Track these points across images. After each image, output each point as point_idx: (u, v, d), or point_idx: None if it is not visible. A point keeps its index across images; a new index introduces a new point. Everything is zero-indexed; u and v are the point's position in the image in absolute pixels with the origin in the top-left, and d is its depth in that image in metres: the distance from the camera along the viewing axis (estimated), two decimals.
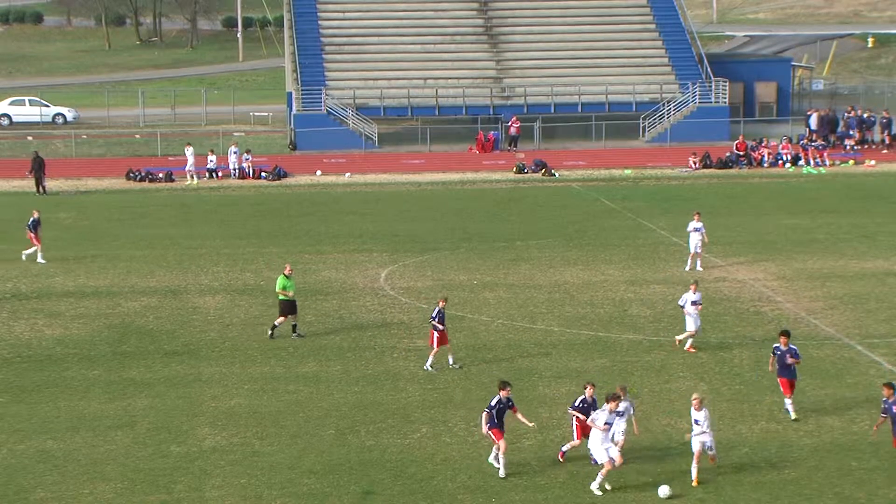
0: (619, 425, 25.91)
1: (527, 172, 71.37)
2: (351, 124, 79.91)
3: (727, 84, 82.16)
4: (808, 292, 41.52)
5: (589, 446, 25.54)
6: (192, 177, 69.14)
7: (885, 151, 77.47)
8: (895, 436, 25.06)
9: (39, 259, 47.40)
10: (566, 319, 38.35)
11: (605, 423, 25.16)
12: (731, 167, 72.32)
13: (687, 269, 44.73)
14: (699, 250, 44.86)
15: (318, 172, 72.02)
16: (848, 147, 77.53)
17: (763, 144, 74.59)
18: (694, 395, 26.02)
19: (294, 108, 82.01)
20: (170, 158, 75.57)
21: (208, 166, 71.10)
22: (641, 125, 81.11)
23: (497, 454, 26.20)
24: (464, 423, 29.21)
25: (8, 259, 48.02)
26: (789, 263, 45.91)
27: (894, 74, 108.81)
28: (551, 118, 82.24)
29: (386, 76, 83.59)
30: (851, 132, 79.06)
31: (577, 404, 26.58)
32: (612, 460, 24.86)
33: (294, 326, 36.73)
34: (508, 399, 26.29)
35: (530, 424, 26.97)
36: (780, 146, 74.31)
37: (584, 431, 26.33)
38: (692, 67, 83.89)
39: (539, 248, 49.53)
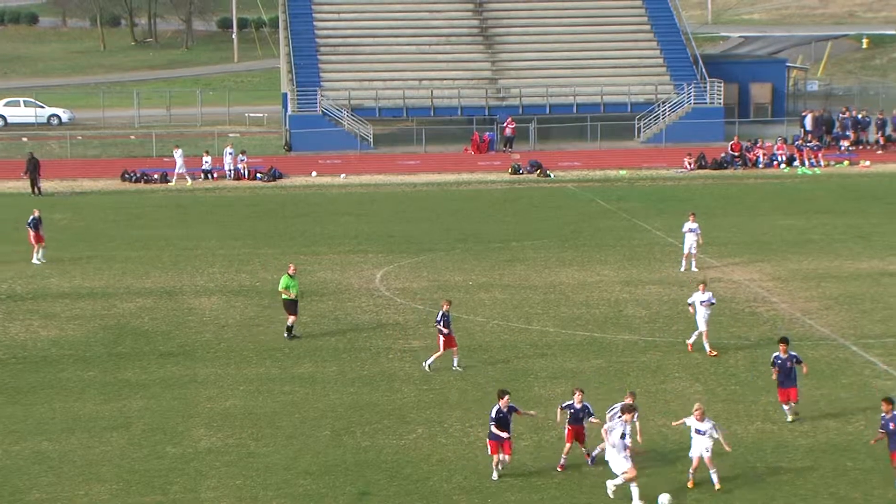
0: (627, 426, 25.60)
1: (522, 173, 71.38)
2: (346, 125, 79.90)
3: (722, 85, 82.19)
4: (804, 293, 41.57)
5: (606, 458, 25.06)
6: (185, 178, 69.01)
7: (879, 152, 77.55)
8: (891, 451, 24.74)
9: (34, 259, 47.31)
10: (562, 320, 38.37)
11: (622, 435, 24.81)
12: (726, 168, 72.37)
13: (682, 269, 44.77)
14: (694, 251, 44.88)
15: (314, 173, 72.01)
16: (843, 148, 77.60)
17: (758, 145, 74.64)
18: (696, 406, 25.69)
19: (289, 108, 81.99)
20: (165, 159, 75.42)
21: (203, 167, 71.05)
22: (636, 126, 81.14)
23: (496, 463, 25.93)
24: (459, 424, 29.23)
25: (3, 261, 47.95)
26: (784, 264, 45.96)
27: (889, 75, 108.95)
28: (546, 119, 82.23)
29: (381, 77, 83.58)
30: (848, 132, 79.11)
31: (565, 406, 26.58)
32: (633, 468, 24.47)
33: (290, 328, 36.69)
34: (510, 408, 26.00)
35: (532, 413, 27.29)
36: (775, 147, 74.36)
37: (575, 435, 26.30)
38: (687, 68, 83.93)
39: (534, 248, 49.56)
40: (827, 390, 31.27)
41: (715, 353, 34.23)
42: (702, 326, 34.41)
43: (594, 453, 26.41)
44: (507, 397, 26.06)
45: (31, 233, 47.54)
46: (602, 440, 25.66)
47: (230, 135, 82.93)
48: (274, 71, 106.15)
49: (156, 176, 70.00)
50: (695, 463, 25.29)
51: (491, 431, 25.95)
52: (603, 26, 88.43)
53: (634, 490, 24.32)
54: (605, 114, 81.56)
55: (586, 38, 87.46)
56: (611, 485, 24.74)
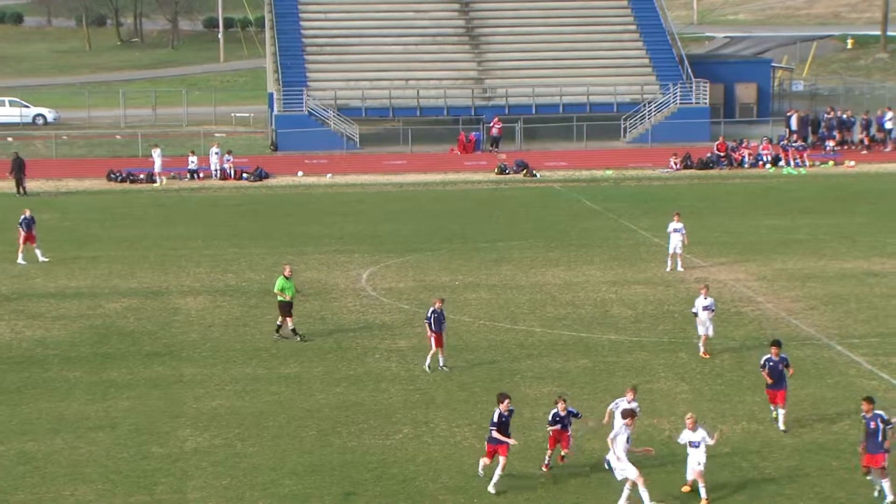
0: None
1: (508, 173, 71.40)
2: (332, 125, 79.85)
3: (708, 85, 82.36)
4: (789, 293, 41.67)
5: (613, 465, 24.72)
6: (160, 179, 68.75)
7: (864, 152, 77.76)
8: (867, 452, 24.55)
9: (20, 259, 47.20)
10: (548, 320, 38.40)
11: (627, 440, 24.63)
12: (711, 168, 72.49)
13: (668, 269, 44.84)
14: (679, 251, 44.94)
15: (300, 173, 71.95)
16: (828, 148, 77.80)
17: (743, 145, 74.78)
18: (688, 416, 25.39)
19: (275, 108, 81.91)
20: (151, 159, 75.26)
21: (189, 167, 70.94)
22: (622, 126, 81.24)
23: (495, 468, 25.47)
24: (446, 424, 29.24)
25: None
26: (770, 264, 46.06)
27: (873, 76, 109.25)
28: (533, 119, 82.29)
29: (367, 77, 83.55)
30: (833, 133, 79.28)
31: (550, 419, 26.21)
32: (638, 476, 24.28)
33: (279, 327, 36.63)
34: (511, 412, 25.66)
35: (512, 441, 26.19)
36: (761, 147, 74.52)
37: (557, 439, 26.16)
38: (673, 68, 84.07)
39: (521, 248, 49.59)
40: (812, 390, 31.35)
41: (707, 356, 34.15)
42: (701, 331, 34.27)
43: (606, 465, 25.80)
44: (507, 401, 25.64)
45: (22, 233, 47.40)
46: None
47: (216, 134, 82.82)
48: (260, 71, 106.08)
49: (142, 176, 69.85)
50: (689, 476, 25.07)
51: (490, 436, 25.45)
52: (589, 26, 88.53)
53: (644, 493, 24.18)
54: (591, 114, 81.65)
55: (572, 38, 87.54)
56: (646, 498, 24.27)
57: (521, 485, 25.73)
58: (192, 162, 71.08)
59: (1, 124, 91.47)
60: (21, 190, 66.15)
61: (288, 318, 36.38)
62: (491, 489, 25.28)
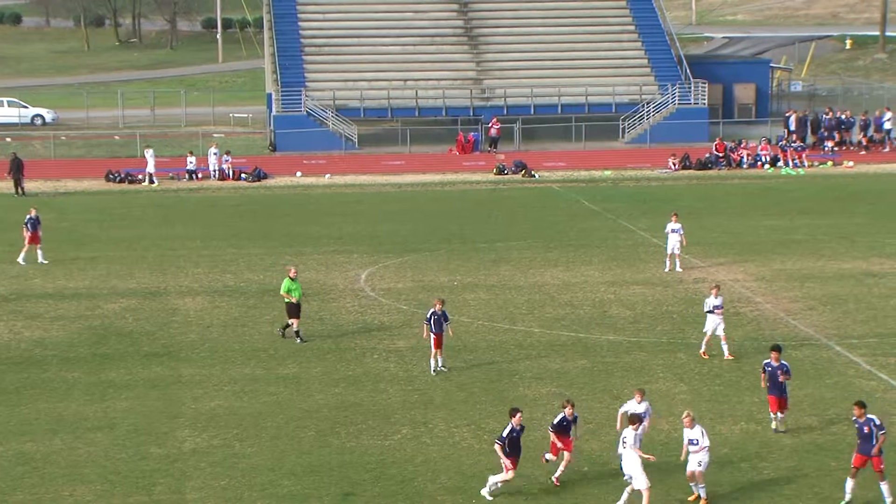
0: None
1: (507, 173, 71.40)
2: (331, 125, 79.84)
3: (706, 85, 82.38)
4: (787, 293, 41.67)
5: (626, 471, 24.50)
6: (151, 180, 68.73)
7: (862, 153, 77.77)
8: (860, 453, 24.49)
9: (21, 258, 47.15)
10: (546, 320, 38.40)
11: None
12: (710, 168, 72.50)
13: (666, 269, 44.84)
14: (677, 251, 44.94)
15: (298, 174, 71.94)
16: (826, 148, 77.81)
17: (742, 146, 74.79)
18: (685, 413, 25.39)
19: (274, 109, 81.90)
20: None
21: (188, 167, 70.93)
22: (621, 126, 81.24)
23: (499, 479, 25.16)
24: (444, 425, 29.24)
25: None
26: (768, 264, 46.06)
27: (872, 76, 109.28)
28: (531, 119, 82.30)
29: (366, 77, 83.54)
30: (833, 134, 79.29)
31: (556, 422, 25.84)
32: (648, 487, 24.11)
33: (286, 328, 36.47)
34: (522, 427, 25.28)
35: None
36: (759, 147, 74.54)
37: (564, 447, 25.84)
38: (671, 69, 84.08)
39: (519, 249, 49.58)
40: (811, 390, 31.35)
41: (707, 356, 34.12)
42: (708, 330, 34.13)
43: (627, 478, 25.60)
44: (519, 415, 25.21)
45: (28, 232, 47.36)
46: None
47: (214, 135, 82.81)
48: (258, 71, 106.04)
49: (140, 176, 69.82)
50: (689, 476, 25.02)
51: (505, 450, 24.98)
52: (588, 27, 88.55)
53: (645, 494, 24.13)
54: (589, 114, 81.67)
55: (571, 38, 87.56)
56: None
57: (520, 485, 25.71)
58: (191, 162, 71.05)
59: None
60: (19, 190, 66.13)
61: (296, 319, 36.21)
62: (486, 494, 24.97)
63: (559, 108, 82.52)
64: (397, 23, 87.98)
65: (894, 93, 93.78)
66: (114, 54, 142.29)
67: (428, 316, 33.36)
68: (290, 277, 36.40)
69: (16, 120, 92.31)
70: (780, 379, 28.36)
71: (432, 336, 33.10)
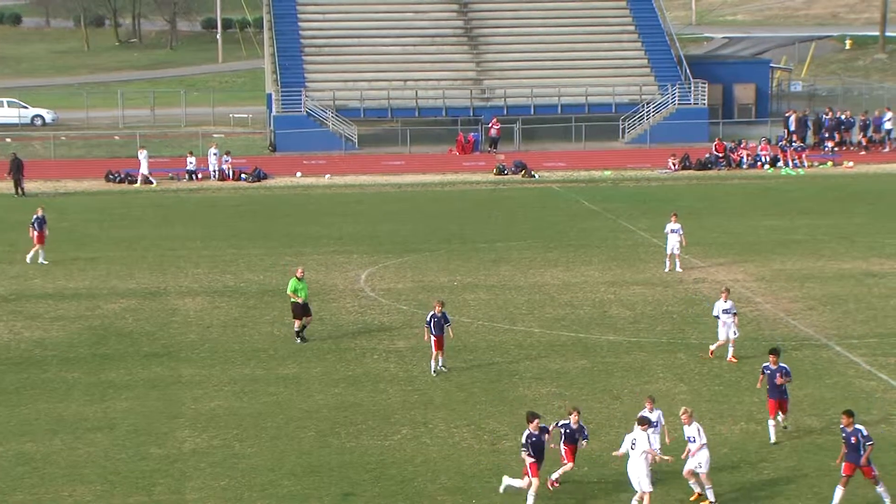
0: (654, 438, 25.22)
1: (507, 174, 71.41)
2: (331, 126, 79.85)
3: (706, 85, 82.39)
4: (787, 293, 41.67)
5: (630, 474, 24.22)
6: (147, 181, 68.73)
7: (862, 153, 77.78)
8: (846, 461, 24.42)
9: (29, 258, 47.11)
10: (546, 321, 38.40)
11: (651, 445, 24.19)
12: (710, 168, 72.51)
13: (666, 270, 44.84)
14: (677, 251, 44.94)
15: (298, 174, 71.95)
16: (826, 149, 77.81)
17: (742, 146, 74.80)
18: (682, 410, 25.39)
19: (274, 109, 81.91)
20: (149, 160, 75.25)
21: (188, 168, 70.94)
22: (621, 126, 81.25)
23: (515, 484, 24.74)
24: (444, 425, 29.24)
25: None
26: (768, 264, 46.06)
27: (871, 76, 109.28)
28: (531, 119, 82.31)
29: (366, 77, 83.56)
30: (834, 134, 79.29)
31: (560, 425, 25.38)
32: (651, 492, 23.96)
33: (301, 331, 36.32)
34: (542, 429, 24.79)
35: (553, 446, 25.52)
36: (759, 147, 74.55)
37: (565, 455, 25.44)
38: (671, 69, 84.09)
39: (519, 249, 49.58)
40: (811, 390, 31.34)
41: (713, 355, 33.81)
42: (721, 336, 33.89)
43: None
44: (537, 420, 24.76)
45: (35, 232, 47.39)
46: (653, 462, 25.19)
47: (214, 135, 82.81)
48: (258, 71, 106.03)
49: (136, 177, 69.75)
50: (687, 473, 25.02)
51: (525, 456, 24.54)
52: (587, 27, 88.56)
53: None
54: (589, 114, 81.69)
55: (571, 38, 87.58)
56: None
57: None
58: (191, 163, 71.06)
59: None
60: (19, 191, 66.13)
61: (297, 320, 36.18)
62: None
63: (559, 108, 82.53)
64: (397, 23, 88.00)
65: (894, 93, 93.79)
66: (114, 54, 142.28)
67: (428, 319, 33.30)
68: (298, 277, 36.34)
69: (16, 120, 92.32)
70: (778, 381, 28.07)
71: (433, 338, 33.03)
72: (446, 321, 33.15)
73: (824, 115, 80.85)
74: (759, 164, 73.27)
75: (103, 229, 55.56)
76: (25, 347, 36.07)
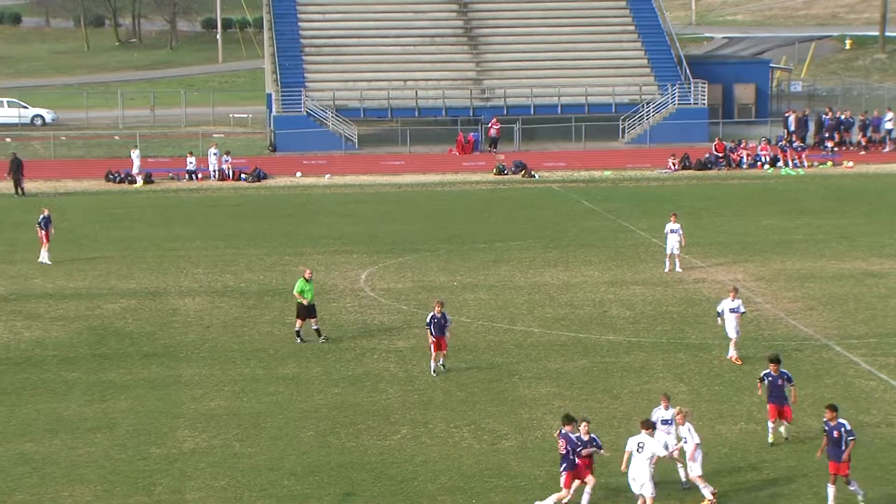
0: (671, 436, 25.25)
1: (507, 174, 71.42)
2: (331, 126, 79.85)
3: (706, 85, 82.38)
4: (787, 293, 41.67)
5: (632, 477, 23.97)
6: (138, 180, 68.80)
7: (862, 153, 77.79)
8: (831, 459, 24.39)
9: (44, 259, 47.13)
10: (546, 320, 38.40)
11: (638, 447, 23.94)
12: (710, 168, 72.53)
13: (666, 270, 44.84)
14: (677, 251, 44.94)
15: (298, 174, 71.96)
16: (826, 149, 77.81)
17: (742, 146, 74.81)
18: (677, 410, 25.36)
19: (274, 109, 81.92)
20: (149, 160, 75.36)
21: (188, 168, 70.96)
22: (621, 126, 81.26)
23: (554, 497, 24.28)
24: (444, 425, 29.24)
25: None
26: (768, 264, 46.07)
27: (871, 76, 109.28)
28: (531, 119, 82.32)
29: (366, 77, 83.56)
30: (834, 134, 79.29)
31: (571, 436, 24.37)
32: (653, 497, 23.85)
33: (318, 330, 36.16)
34: (579, 438, 24.10)
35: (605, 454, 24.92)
36: (759, 147, 74.56)
37: (577, 475, 24.59)
38: (671, 69, 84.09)
39: (519, 249, 49.59)
40: (810, 390, 31.33)
41: (740, 361, 33.57)
42: (731, 335, 33.65)
43: (684, 480, 25.32)
44: (573, 424, 24.13)
45: (41, 231, 47.43)
46: (679, 463, 25.15)
47: (214, 135, 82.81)
48: (258, 71, 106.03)
49: (140, 176, 69.81)
50: (694, 479, 25.03)
51: (572, 461, 24.08)
52: (587, 27, 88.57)
53: None
54: (589, 114, 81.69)
55: (571, 38, 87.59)
56: None
57: (518, 485, 25.72)
58: (191, 163, 71.08)
59: None
60: (19, 191, 66.14)
61: (300, 320, 36.11)
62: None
63: (559, 108, 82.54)
64: (397, 23, 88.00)
65: (894, 93, 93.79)
66: (114, 54, 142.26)
67: (428, 320, 33.23)
68: (305, 278, 36.28)
69: (16, 120, 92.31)
70: (780, 382, 27.83)
71: (432, 339, 32.95)
72: (446, 322, 33.11)
73: (824, 115, 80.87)
74: (758, 164, 73.29)
75: (103, 229, 55.55)
76: (25, 347, 36.07)
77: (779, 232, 52.73)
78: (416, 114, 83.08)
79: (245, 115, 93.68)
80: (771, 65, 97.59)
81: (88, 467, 26.87)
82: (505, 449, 27.61)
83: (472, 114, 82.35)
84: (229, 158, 71.76)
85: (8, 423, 29.77)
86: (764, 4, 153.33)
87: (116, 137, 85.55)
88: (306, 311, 36.10)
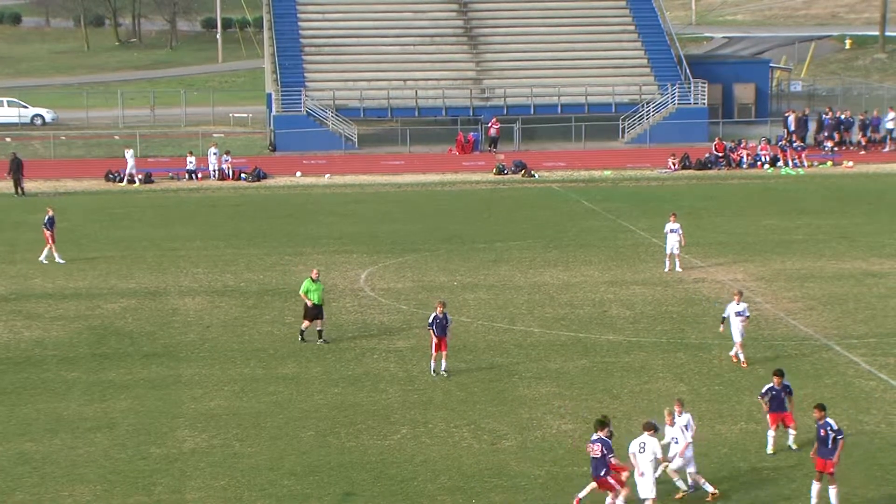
0: (680, 444, 25.23)
1: (506, 173, 71.43)
2: (331, 125, 79.85)
3: (706, 85, 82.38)
4: (787, 293, 41.67)
5: (637, 479, 23.92)
6: (131, 180, 68.79)
7: (862, 153, 77.80)
8: (818, 456, 24.35)
9: (57, 259, 47.15)
10: (546, 320, 38.40)
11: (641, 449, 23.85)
12: (709, 168, 72.53)
13: (666, 269, 44.85)
14: (677, 251, 44.95)
15: (298, 174, 71.96)
16: (826, 148, 77.82)
17: (742, 146, 74.82)
18: (667, 411, 25.42)
19: (273, 109, 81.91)
20: (149, 160, 75.42)
21: (188, 167, 70.97)
22: (621, 126, 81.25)
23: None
24: (444, 425, 29.24)
25: None
26: (768, 264, 46.07)
27: (871, 76, 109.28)
28: (531, 119, 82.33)
29: (365, 77, 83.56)
30: (833, 133, 79.30)
31: (608, 441, 24.01)
32: (654, 500, 23.84)
33: (319, 332, 36.09)
34: (608, 441, 23.86)
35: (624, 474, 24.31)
36: (759, 147, 74.57)
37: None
38: (671, 69, 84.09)
39: (519, 249, 49.59)
40: (810, 390, 31.32)
41: (745, 364, 33.43)
42: (736, 338, 33.52)
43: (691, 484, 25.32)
44: (607, 429, 23.86)
45: (47, 232, 47.45)
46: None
47: (214, 135, 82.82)
48: (258, 71, 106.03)
49: (140, 176, 69.85)
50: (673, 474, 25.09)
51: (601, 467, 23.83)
52: (587, 27, 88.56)
53: None
54: (589, 114, 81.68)
55: (571, 38, 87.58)
56: None
57: (518, 485, 25.73)
58: (191, 162, 71.08)
59: None
60: (19, 190, 66.14)
61: (306, 321, 36.04)
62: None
63: (559, 108, 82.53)
64: (397, 23, 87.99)
65: (894, 93, 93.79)
66: (114, 54, 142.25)
67: (430, 321, 33.18)
68: (312, 279, 36.21)
69: (16, 120, 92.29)
70: (782, 396, 27.57)
71: (436, 340, 32.86)
72: (447, 322, 33.06)
73: (824, 115, 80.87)
74: (758, 163, 73.30)
75: (103, 229, 55.55)
76: (25, 347, 36.07)
77: (779, 232, 52.73)
78: (416, 114, 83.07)
79: (245, 115, 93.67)
80: (771, 65, 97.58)
81: (88, 467, 26.88)
82: (505, 449, 27.61)
83: (471, 113, 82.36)
84: (229, 158, 71.76)
85: (8, 422, 29.77)
86: (764, 4, 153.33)
87: (116, 137, 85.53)
88: (313, 313, 36.00)
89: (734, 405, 30.41)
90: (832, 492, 24.18)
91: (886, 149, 78.87)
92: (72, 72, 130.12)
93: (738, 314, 33.50)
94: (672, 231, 44.68)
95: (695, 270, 45.03)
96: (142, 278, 44.79)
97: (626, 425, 28.08)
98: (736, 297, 33.95)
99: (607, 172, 71.62)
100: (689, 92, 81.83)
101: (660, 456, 24.09)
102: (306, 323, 36.09)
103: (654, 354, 34.69)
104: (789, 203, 60.65)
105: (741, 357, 33.62)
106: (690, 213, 55.40)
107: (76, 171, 72.92)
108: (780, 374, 27.90)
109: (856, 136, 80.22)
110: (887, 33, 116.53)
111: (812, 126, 79.89)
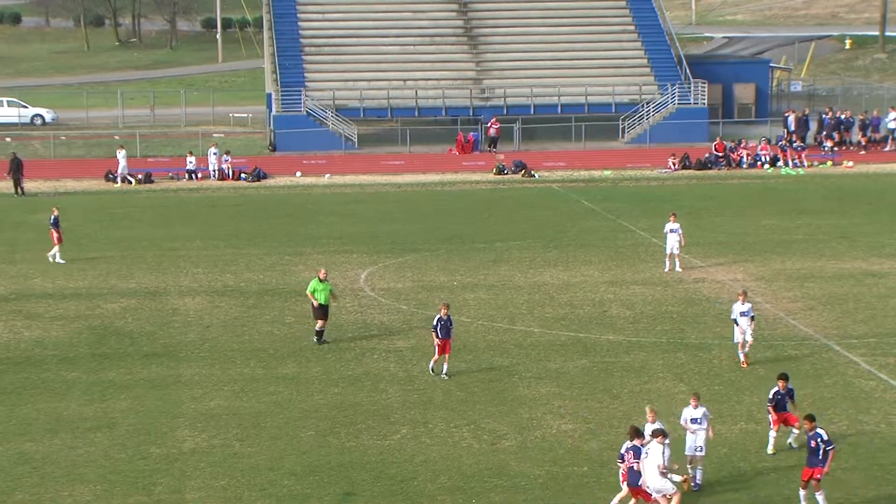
0: (700, 435, 25.33)
1: (506, 173, 71.42)
2: (330, 125, 79.84)
3: (706, 85, 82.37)
4: (787, 293, 41.67)
5: (647, 482, 23.79)
6: (122, 180, 68.79)
7: (862, 153, 77.80)
8: (806, 465, 24.35)
9: (58, 259, 47.16)
10: (546, 320, 38.40)
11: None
12: (710, 168, 72.53)
13: (666, 269, 44.85)
14: (677, 251, 44.94)
15: (298, 173, 71.96)
16: (826, 148, 77.82)
17: (742, 145, 74.82)
18: (649, 409, 25.33)
19: (273, 109, 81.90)
20: (149, 160, 75.42)
21: (188, 167, 70.96)
22: (621, 126, 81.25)
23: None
24: (444, 425, 29.24)
25: None
26: (768, 264, 46.07)
27: (871, 76, 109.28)
28: (531, 119, 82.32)
29: (365, 77, 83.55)
30: (833, 133, 79.30)
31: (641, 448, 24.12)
32: (665, 496, 23.68)
33: (321, 332, 36.02)
34: (638, 448, 23.85)
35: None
36: (759, 147, 74.57)
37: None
38: (671, 69, 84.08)
39: (519, 249, 49.59)
40: (810, 390, 31.33)
41: (746, 365, 33.42)
42: (738, 338, 33.46)
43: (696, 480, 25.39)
44: (641, 438, 23.96)
45: (54, 232, 47.48)
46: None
47: (214, 135, 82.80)
48: (258, 71, 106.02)
49: (140, 176, 69.83)
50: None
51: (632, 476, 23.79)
52: (587, 27, 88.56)
53: None
54: (589, 114, 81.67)
55: (571, 38, 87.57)
56: None
57: (518, 485, 25.73)
58: (191, 162, 71.07)
59: None
60: (19, 190, 66.12)
61: (319, 321, 35.84)
62: None
63: (559, 108, 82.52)
64: (397, 23, 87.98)
65: (894, 93, 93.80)
66: (113, 54, 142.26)
67: (434, 323, 33.04)
68: (319, 279, 36.14)
69: (16, 120, 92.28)
70: (787, 399, 27.61)
71: (438, 342, 32.77)
72: (451, 325, 32.94)
73: (824, 115, 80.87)
74: (758, 163, 73.29)
75: (103, 229, 55.54)
76: (25, 347, 36.07)
77: (779, 232, 52.73)
78: (416, 113, 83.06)
79: (245, 115, 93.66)
80: (771, 65, 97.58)
81: (88, 467, 26.88)
82: (505, 449, 27.61)
83: (471, 113, 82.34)
84: (229, 158, 71.75)
85: (8, 422, 29.77)
86: (764, 4, 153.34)
87: (116, 137, 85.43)
88: (319, 312, 35.95)
89: (734, 405, 30.41)
90: (819, 497, 24.14)
91: (888, 148, 78.86)
92: (72, 72, 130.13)
93: (743, 314, 33.40)
94: (672, 231, 44.67)
95: (695, 270, 45.02)
96: (142, 278, 44.79)
97: (626, 426, 27.99)
98: (741, 298, 33.81)
99: (607, 172, 71.62)
100: (689, 92, 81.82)
101: (660, 463, 23.99)
102: (320, 322, 35.96)
103: (654, 354, 34.69)
104: (789, 203, 60.64)
105: (741, 357, 33.61)
106: (690, 213, 55.40)
107: (76, 171, 72.91)
108: (785, 377, 27.82)
109: (856, 136, 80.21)
110: (887, 33, 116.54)
111: (812, 126, 79.90)
